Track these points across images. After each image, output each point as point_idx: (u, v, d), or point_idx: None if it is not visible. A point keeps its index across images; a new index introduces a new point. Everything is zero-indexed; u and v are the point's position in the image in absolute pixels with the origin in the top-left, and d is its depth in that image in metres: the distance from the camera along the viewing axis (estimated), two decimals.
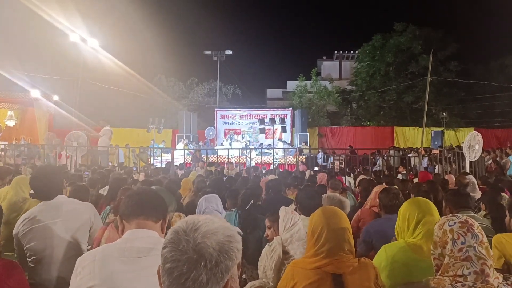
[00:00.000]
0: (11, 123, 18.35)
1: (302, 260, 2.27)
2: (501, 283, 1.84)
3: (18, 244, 2.93)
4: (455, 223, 1.93)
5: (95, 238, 2.86)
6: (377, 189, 4.75)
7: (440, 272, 1.92)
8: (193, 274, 1.15)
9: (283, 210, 3.02)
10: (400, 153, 17.45)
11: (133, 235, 1.86)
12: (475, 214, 3.84)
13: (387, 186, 4.33)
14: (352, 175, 12.43)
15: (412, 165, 16.19)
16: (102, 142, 12.81)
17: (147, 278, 1.72)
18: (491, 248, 2.69)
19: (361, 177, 8.96)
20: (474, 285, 1.78)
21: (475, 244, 1.84)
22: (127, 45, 23.90)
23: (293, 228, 2.83)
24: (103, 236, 2.82)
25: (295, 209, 3.89)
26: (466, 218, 1.95)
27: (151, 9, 39.43)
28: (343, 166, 15.48)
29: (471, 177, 6.93)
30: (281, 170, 12.30)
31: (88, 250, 2.93)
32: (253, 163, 15.45)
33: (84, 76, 17.88)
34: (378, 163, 16.87)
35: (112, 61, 20.14)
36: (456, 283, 1.81)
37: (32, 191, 5.37)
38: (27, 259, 2.89)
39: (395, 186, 7.22)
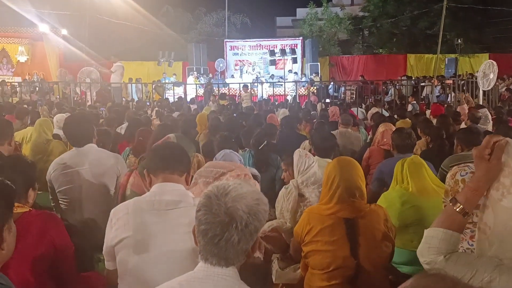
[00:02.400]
0: (23, 58, 18.39)
1: (317, 207, 2.44)
2: None
3: (52, 187, 3.15)
4: (467, 173, 1.99)
5: (120, 184, 3.02)
6: (382, 128, 4.83)
7: None
8: (226, 235, 1.28)
9: (297, 153, 3.10)
10: (413, 82, 17.29)
11: (161, 188, 1.98)
12: None
13: (399, 127, 4.40)
14: (363, 105, 12.47)
15: (424, 95, 16.11)
16: (114, 78, 12.85)
17: (176, 229, 1.86)
18: None
19: (373, 109, 9.01)
20: None
21: None
22: None
23: (308, 172, 2.94)
24: (129, 182, 2.97)
25: (310, 150, 4.02)
26: None
27: None
28: (354, 96, 15.43)
29: (485, 110, 6.93)
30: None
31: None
32: (265, 95, 15.48)
33: (91, 10, 17.57)
34: (390, 92, 16.77)
35: None
36: (466, 229, 1.89)
37: (54, 132, 5.61)
38: (59, 201, 3.12)
39: (407, 119, 7.33)
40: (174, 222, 1.88)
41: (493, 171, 1.45)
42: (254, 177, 3.36)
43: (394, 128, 4.56)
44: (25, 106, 8.82)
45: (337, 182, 2.32)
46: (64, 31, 19.38)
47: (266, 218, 1.38)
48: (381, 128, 4.88)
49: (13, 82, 14.83)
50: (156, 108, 10.11)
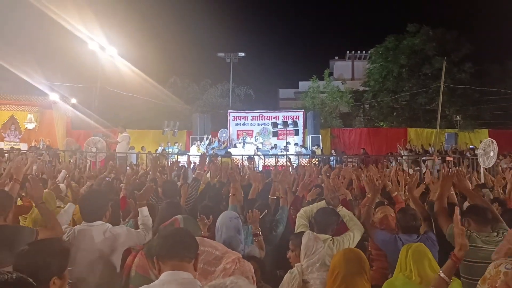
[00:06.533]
0: (31, 125, 18.79)
1: None
2: None
3: None
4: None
5: (125, 265, 2.99)
6: (381, 213, 4.39)
7: None
8: None
9: (306, 236, 3.06)
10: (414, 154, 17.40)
11: (169, 277, 2.02)
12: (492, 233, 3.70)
13: (402, 207, 4.28)
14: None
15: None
16: (120, 147, 13.06)
17: None
18: None
19: None
20: None
21: None
22: (144, 49, 24.30)
23: (314, 257, 2.91)
24: (134, 263, 2.96)
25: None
26: None
27: (166, 14, 39.73)
28: None
29: (486, 190, 6.95)
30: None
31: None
32: (261, 167, 15.48)
33: (101, 82, 18.22)
34: (391, 166, 16.88)
35: (129, 68, 20.46)
36: None
37: (58, 205, 5.60)
38: None
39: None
40: None
41: None
42: (253, 259, 3.31)
43: (393, 213, 4.29)
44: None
45: (341, 278, 2.39)
46: (74, 100, 19.99)
47: None
48: (379, 214, 4.39)
49: (22, 150, 15.05)
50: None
